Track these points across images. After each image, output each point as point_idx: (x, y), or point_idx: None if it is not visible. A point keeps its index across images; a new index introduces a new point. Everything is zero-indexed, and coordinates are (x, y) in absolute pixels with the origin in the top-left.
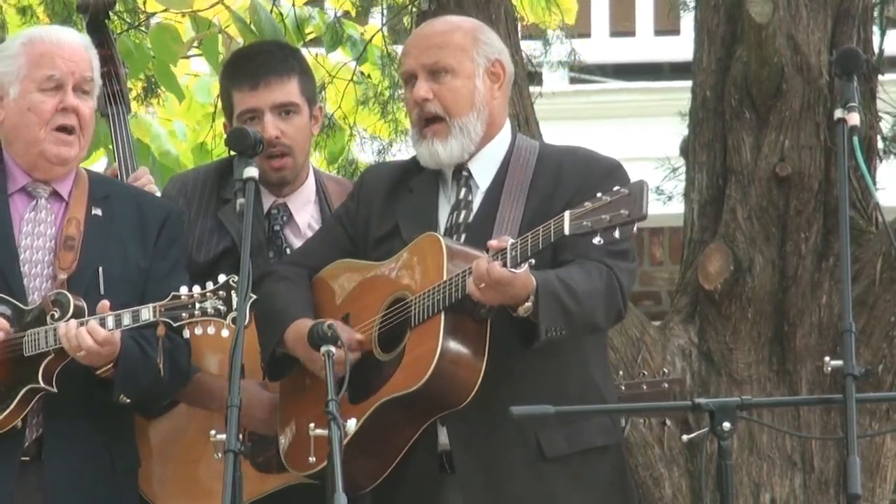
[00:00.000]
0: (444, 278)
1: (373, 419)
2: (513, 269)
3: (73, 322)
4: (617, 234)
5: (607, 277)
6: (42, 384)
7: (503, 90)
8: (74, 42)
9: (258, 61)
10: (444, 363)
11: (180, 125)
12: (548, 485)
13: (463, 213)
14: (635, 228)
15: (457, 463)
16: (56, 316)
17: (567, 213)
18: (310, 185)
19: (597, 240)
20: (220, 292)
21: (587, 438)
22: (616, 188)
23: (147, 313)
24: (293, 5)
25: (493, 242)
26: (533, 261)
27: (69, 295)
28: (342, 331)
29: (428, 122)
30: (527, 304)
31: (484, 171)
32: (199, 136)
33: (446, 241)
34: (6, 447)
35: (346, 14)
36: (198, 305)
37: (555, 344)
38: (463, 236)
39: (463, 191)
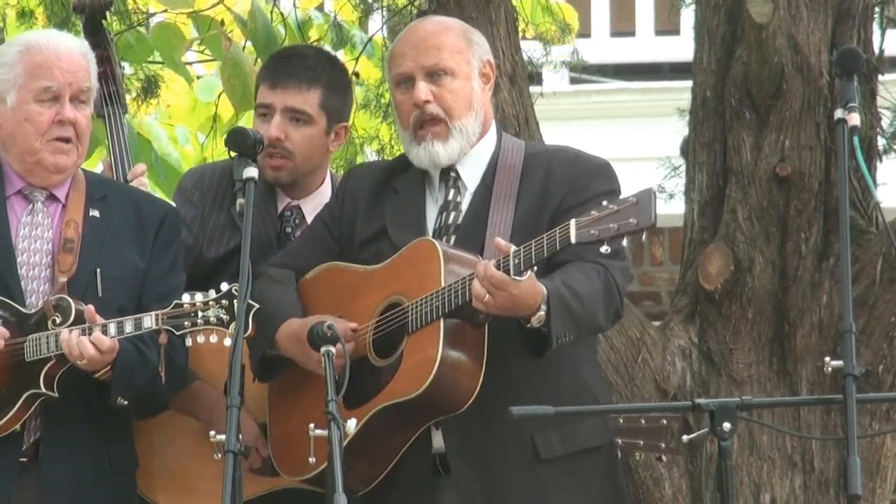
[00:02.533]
0: (443, 284)
1: (369, 424)
2: (516, 277)
3: (76, 331)
4: (625, 242)
5: (605, 277)
6: (43, 389)
7: (491, 90)
8: (73, 51)
9: (288, 62)
10: (445, 370)
11: (182, 130)
12: (543, 486)
13: (452, 214)
14: (644, 236)
15: (452, 465)
16: (58, 321)
17: (573, 222)
18: (325, 190)
19: (604, 248)
20: (223, 301)
21: (581, 439)
22: (623, 197)
23: (149, 321)
24: (294, 6)
25: (499, 241)
26: (535, 268)
27: (70, 300)
28: (340, 325)
29: (425, 124)
30: (539, 313)
31: (471, 171)
32: (201, 141)
33: (442, 247)
34: (5, 449)
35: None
36: (200, 314)
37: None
38: (452, 238)
39: (451, 192)
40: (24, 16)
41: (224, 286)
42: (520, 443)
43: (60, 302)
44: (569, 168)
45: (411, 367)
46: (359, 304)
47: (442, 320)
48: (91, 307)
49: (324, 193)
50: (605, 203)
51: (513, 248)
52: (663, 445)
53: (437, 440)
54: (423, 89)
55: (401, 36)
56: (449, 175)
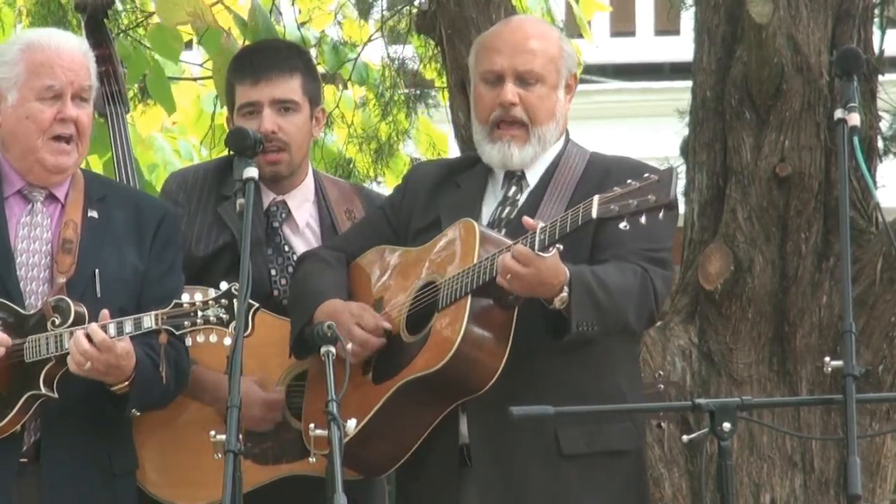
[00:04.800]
0: (475, 262)
1: (394, 399)
2: (541, 253)
3: (80, 333)
4: (643, 219)
5: (641, 278)
6: (43, 391)
7: (571, 101)
8: (74, 49)
9: (262, 56)
10: (467, 346)
11: (185, 144)
12: (563, 482)
13: (507, 209)
14: (661, 214)
15: (474, 456)
16: (57, 322)
17: (596, 197)
18: (309, 184)
19: (623, 225)
20: (223, 300)
21: (607, 441)
22: (646, 175)
23: (149, 321)
24: (296, 21)
25: (527, 219)
26: (561, 246)
27: (70, 301)
28: (369, 318)
29: (504, 125)
30: (562, 295)
31: (536, 171)
32: (204, 154)
33: (481, 228)
34: (4, 450)
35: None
36: (200, 314)
37: (583, 347)
38: (503, 231)
39: (513, 189)
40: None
41: (223, 285)
42: (543, 437)
43: (59, 303)
44: (626, 173)
45: (436, 343)
46: (400, 284)
47: (470, 297)
48: (105, 311)
49: (307, 187)
50: (629, 181)
51: (539, 224)
52: (661, 412)
53: (464, 430)
54: (511, 91)
55: (497, 29)
56: (514, 173)
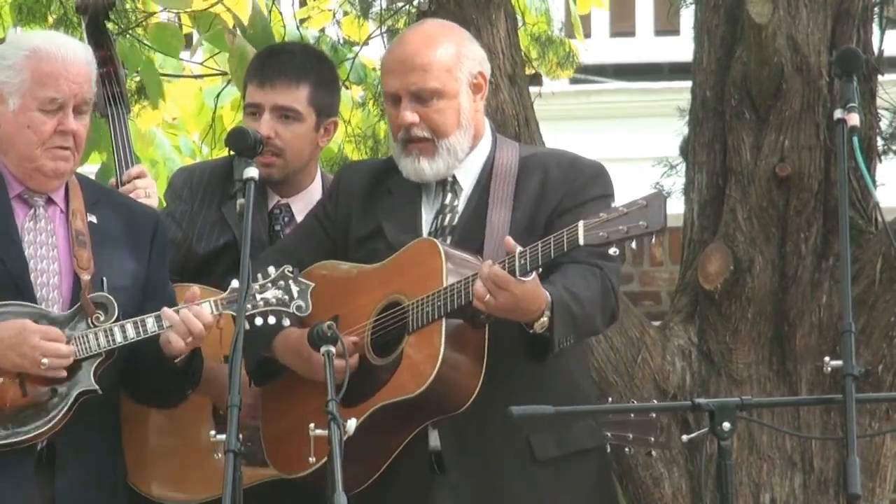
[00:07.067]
0: (444, 284)
1: (368, 422)
2: (521, 278)
3: (168, 310)
4: (634, 245)
5: (601, 279)
6: (95, 386)
7: (484, 99)
8: (79, 60)
9: (274, 61)
10: (446, 369)
11: (185, 140)
12: (538, 487)
13: (448, 216)
14: (654, 239)
15: (447, 464)
16: (101, 318)
17: (581, 224)
18: (315, 189)
19: (612, 250)
20: (280, 282)
21: (576, 441)
22: (633, 199)
23: (208, 307)
24: (295, 18)
25: (509, 240)
26: (540, 269)
27: (109, 296)
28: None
29: (412, 142)
30: (542, 319)
31: (467, 175)
32: (205, 152)
33: (443, 246)
34: (20, 453)
35: (350, 41)
36: (258, 297)
37: None
38: (449, 239)
39: (449, 196)
40: (30, 14)
41: (272, 270)
42: (516, 444)
43: (100, 300)
44: (565, 172)
45: (412, 366)
46: (356, 304)
47: (443, 320)
48: (196, 290)
49: (314, 191)
50: (613, 205)
51: (518, 248)
52: (652, 440)
53: (434, 439)
54: (408, 113)
55: (393, 46)
56: (445, 180)
